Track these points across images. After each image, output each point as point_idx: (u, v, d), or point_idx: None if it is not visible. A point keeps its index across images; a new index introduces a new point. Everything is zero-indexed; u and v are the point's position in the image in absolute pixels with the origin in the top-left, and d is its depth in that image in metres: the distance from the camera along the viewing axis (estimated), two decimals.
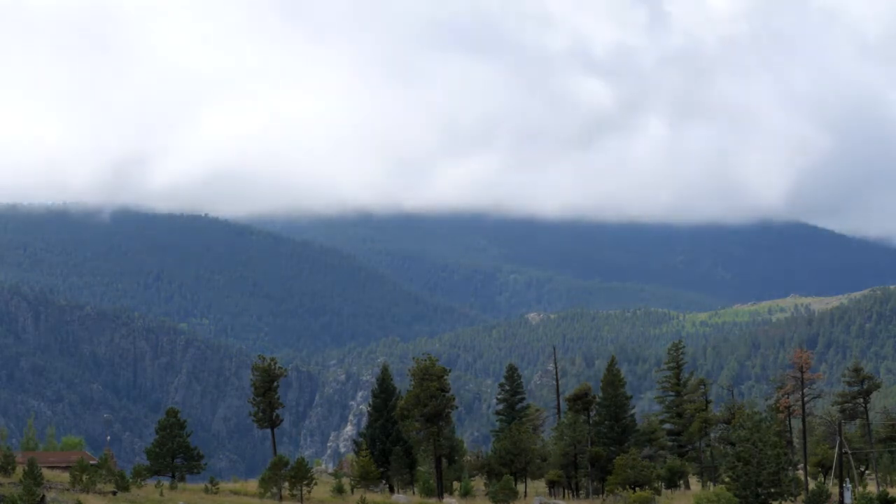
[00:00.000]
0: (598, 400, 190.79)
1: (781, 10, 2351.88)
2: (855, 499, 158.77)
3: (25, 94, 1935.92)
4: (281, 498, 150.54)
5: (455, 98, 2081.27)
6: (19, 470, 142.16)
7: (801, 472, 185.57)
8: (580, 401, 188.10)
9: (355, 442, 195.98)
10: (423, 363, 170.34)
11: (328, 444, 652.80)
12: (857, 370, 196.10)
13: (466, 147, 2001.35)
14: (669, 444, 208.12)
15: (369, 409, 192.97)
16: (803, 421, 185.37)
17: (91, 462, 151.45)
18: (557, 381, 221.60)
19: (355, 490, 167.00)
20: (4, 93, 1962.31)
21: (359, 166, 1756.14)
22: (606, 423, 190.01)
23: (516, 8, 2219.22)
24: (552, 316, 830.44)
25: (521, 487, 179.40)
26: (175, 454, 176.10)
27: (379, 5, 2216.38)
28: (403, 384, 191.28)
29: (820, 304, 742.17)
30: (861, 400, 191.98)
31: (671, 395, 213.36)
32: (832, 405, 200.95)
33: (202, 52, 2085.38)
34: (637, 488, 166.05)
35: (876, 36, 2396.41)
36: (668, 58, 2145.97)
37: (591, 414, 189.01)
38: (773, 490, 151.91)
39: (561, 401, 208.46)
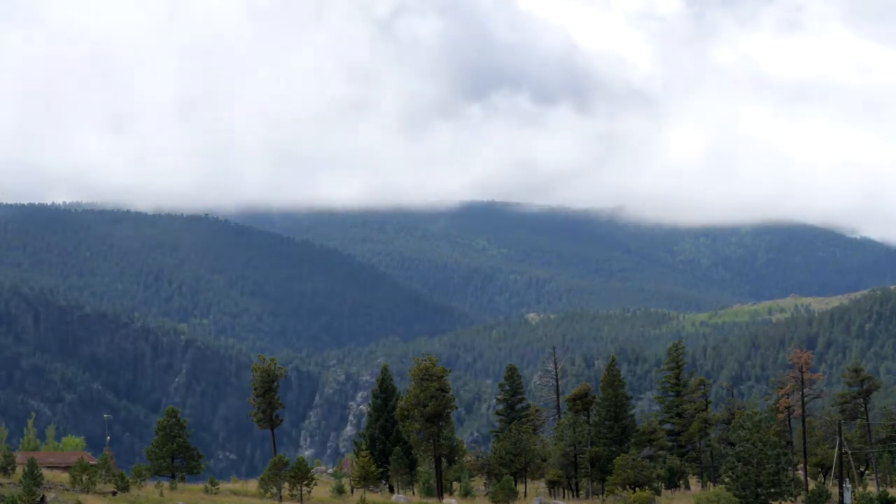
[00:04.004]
0: (598, 400, 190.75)
1: None
2: (855, 499, 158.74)
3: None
4: (281, 498, 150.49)
5: None
6: (19, 470, 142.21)
7: (801, 473, 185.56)
8: (580, 401, 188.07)
9: (355, 442, 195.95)
10: (423, 363, 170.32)
11: (328, 445, 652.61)
12: (856, 370, 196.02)
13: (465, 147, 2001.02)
14: (669, 444, 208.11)
15: (369, 409, 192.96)
16: (803, 421, 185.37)
17: (91, 462, 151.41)
18: (557, 381, 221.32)
19: (355, 490, 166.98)
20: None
21: (358, 166, 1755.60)
22: (606, 423, 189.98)
23: None
24: (552, 316, 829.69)
25: (521, 488, 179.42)
26: (175, 454, 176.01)
27: None
28: (403, 384, 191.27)
29: (820, 304, 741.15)
30: (861, 400, 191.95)
31: (671, 396, 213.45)
32: (832, 405, 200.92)
33: None
34: (637, 488, 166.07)
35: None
36: None
37: (591, 414, 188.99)
38: (773, 490, 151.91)
39: (561, 401, 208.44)
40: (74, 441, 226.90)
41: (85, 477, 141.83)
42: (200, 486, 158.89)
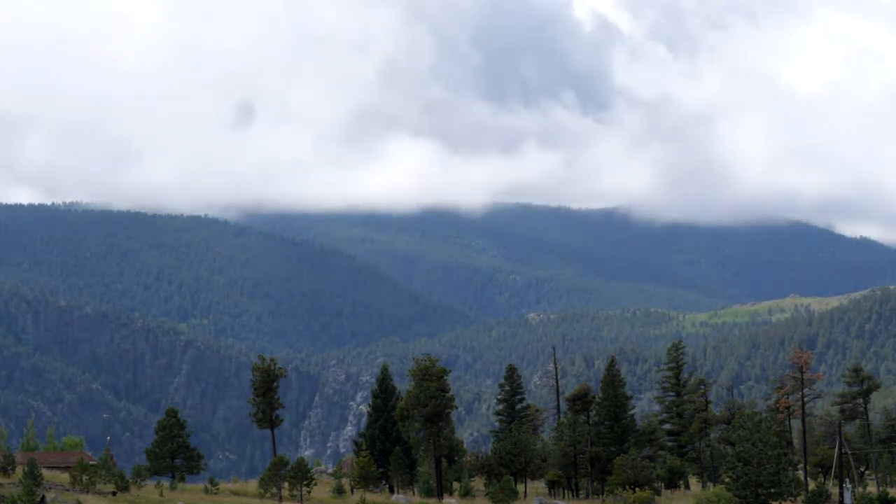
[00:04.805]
0: (597, 400, 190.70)
1: None
2: (855, 499, 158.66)
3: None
4: (281, 498, 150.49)
5: None
6: (19, 470, 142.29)
7: (801, 473, 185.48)
8: (580, 401, 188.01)
9: (355, 442, 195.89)
10: (422, 364, 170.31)
11: (328, 445, 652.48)
12: (856, 370, 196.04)
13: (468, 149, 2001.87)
14: (669, 444, 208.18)
15: (369, 409, 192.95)
16: (803, 421, 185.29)
17: (91, 462, 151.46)
18: (557, 381, 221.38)
19: (355, 490, 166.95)
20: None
21: (355, 166, 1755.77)
22: (606, 423, 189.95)
23: None
24: (552, 316, 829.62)
25: (520, 487, 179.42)
26: (175, 454, 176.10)
27: None
28: (403, 384, 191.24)
29: (820, 304, 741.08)
30: (861, 400, 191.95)
31: (671, 396, 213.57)
32: (832, 405, 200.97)
33: None
34: (637, 488, 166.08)
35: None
36: None
37: (591, 414, 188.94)
38: (773, 490, 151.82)
39: (561, 401, 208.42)
40: (74, 441, 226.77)
41: (85, 477, 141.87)
42: (200, 486, 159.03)
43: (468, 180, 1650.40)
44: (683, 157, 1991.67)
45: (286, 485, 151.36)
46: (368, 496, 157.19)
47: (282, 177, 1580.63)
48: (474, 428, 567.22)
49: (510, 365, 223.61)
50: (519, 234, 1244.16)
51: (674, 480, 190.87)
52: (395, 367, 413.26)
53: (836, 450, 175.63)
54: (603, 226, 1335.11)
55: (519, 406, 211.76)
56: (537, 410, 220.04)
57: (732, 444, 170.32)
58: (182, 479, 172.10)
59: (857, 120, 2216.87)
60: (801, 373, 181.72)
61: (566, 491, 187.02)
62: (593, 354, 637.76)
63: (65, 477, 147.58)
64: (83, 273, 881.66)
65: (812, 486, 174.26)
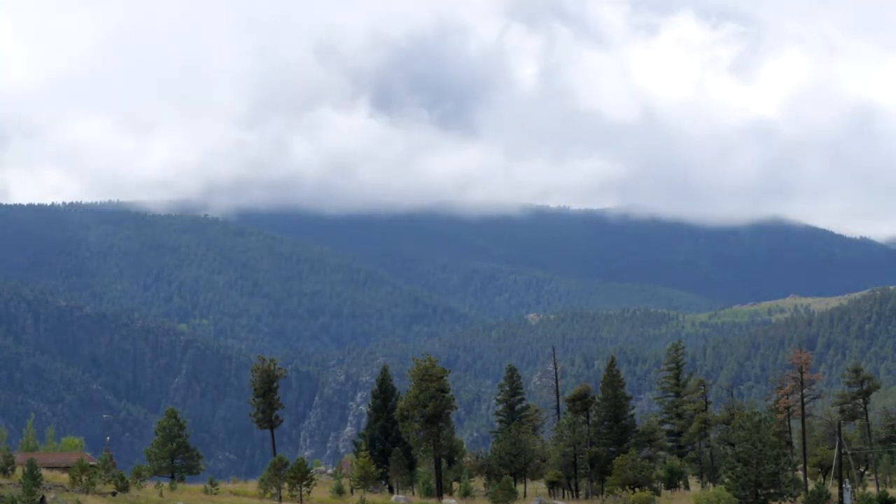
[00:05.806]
0: (597, 400, 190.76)
1: None
2: (855, 499, 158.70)
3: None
4: (280, 499, 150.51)
5: None
6: (19, 470, 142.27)
7: (800, 473, 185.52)
8: (580, 401, 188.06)
9: (355, 442, 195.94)
10: (422, 364, 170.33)
11: (328, 445, 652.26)
12: (856, 371, 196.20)
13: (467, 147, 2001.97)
14: (669, 444, 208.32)
15: (369, 409, 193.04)
16: (802, 421, 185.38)
17: (91, 463, 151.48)
18: (557, 381, 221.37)
19: (355, 491, 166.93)
20: None
21: (352, 167, 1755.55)
22: (606, 423, 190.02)
23: None
24: (552, 316, 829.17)
25: (520, 488, 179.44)
26: (175, 455, 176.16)
27: None
28: (403, 385, 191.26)
29: (820, 304, 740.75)
30: (861, 400, 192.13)
31: (671, 396, 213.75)
32: (832, 406, 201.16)
33: None
34: (636, 489, 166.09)
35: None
36: None
37: (591, 414, 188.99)
38: (772, 490, 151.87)
39: (560, 401, 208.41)
40: (74, 441, 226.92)
41: (84, 477, 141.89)
42: (200, 486, 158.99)
43: (467, 181, 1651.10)
44: (682, 156, 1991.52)
45: (286, 485, 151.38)
46: (368, 496, 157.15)
47: (282, 177, 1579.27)
48: (474, 428, 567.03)
49: (510, 365, 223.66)
50: (519, 234, 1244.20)
51: (674, 481, 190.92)
52: (395, 367, 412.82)
53: (836, 450, 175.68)
54: (602, 226, 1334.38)
55: (519, 406, 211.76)
56: (537, 411, 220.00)
57: (732, 445, 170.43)
58: (182, 480, 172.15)
59: (858, 119, 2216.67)
60: (801, 373, 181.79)
61: (566, 491, 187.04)
62: (593, 354, 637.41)
63: (64, 477, 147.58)
64: (83, 273, 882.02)
65: (812, 486, 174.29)
